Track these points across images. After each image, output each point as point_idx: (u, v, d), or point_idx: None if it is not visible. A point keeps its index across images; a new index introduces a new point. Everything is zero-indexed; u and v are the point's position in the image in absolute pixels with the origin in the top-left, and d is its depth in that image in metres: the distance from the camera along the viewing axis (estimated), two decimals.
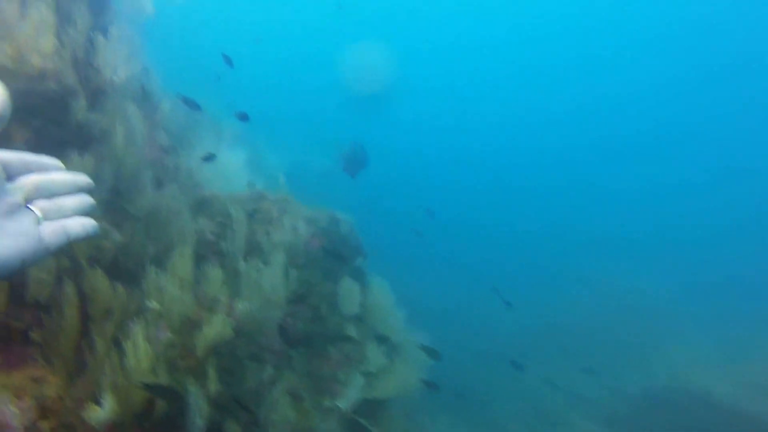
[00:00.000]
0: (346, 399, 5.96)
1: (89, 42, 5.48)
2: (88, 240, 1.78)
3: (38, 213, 1.03)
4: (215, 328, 4.64)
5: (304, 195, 7.12)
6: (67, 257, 4.24)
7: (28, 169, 1.07)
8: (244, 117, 8.82)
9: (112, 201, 5.04)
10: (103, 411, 3.73)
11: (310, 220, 6.55)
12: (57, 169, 1.12)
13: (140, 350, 3.97)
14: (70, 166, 4.23)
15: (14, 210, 0.99)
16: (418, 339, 7.05)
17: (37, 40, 4.99)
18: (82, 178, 1.15)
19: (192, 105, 7.52)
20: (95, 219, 1.15)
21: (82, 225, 1.10)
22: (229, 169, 7.31)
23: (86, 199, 1.14)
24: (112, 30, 5.59)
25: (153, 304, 4.29)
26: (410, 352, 6.96)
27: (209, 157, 7.21)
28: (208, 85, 9.40)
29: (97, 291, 4.18)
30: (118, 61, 5.58)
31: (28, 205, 1.03)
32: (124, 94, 5.29)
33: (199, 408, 4.28)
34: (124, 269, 4.82)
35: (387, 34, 40.03)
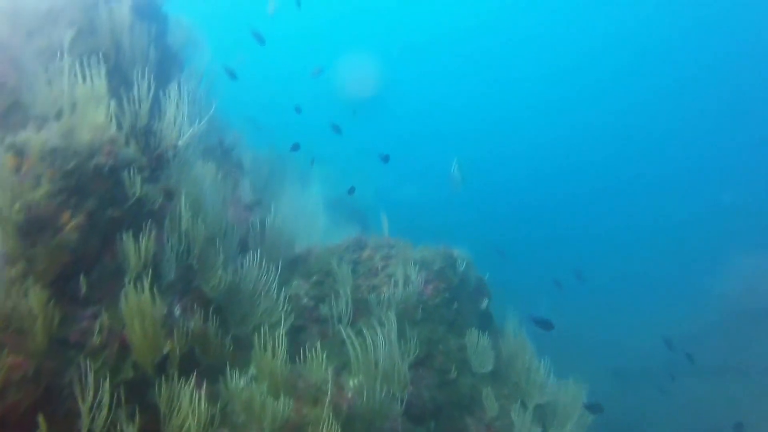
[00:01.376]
0: None
1: (154, 105, 4.87)
2: None
3: None
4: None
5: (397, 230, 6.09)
6: (132, 366, 3.47)
7: None
8: (386, 158, 8.64)
9: (184, 281, 4.27)
10: None
11: (421, 263, 5.47)
12: None
13: None
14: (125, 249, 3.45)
15: None
16: (569, 391, 5.67)
17: (87, 113, 4.40)
18: None
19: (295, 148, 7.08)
20: None
21: None
22: (317, 215, 6.46)
23: None
24: (173, 89, 4.91)
25: (240, 417, 3.39)
26: (562, 410, 5.60)
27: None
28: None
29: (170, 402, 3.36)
30: (183, 121, 4.89)
31: None
32: (190, 158, 4.55)
33: None
34: (203, 365, 4.00)
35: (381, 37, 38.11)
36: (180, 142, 4.42)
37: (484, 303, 5.75)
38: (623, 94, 41.80)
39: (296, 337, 5.18)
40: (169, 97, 4.38)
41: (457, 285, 5.58)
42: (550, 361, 5.81)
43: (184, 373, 3.98)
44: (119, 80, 5.05)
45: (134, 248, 3.69)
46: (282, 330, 4.02)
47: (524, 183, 38.15)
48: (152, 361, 3.52)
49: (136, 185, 4.15)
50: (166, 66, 6.22)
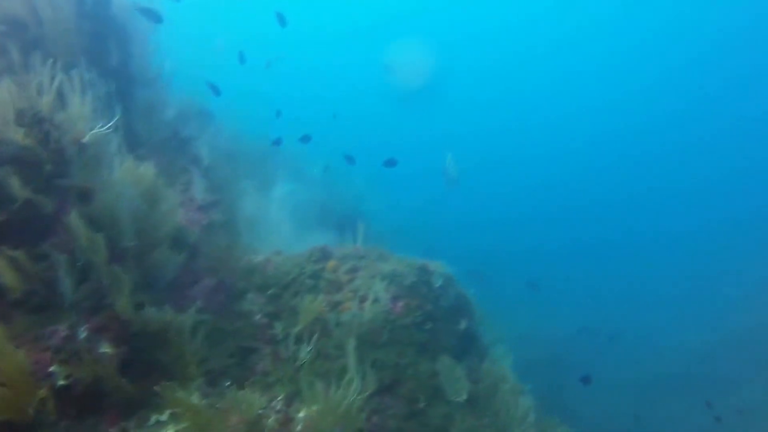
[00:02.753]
0: None
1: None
2: None
3: None
4: None
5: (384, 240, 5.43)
6: None
7: None
8: (351, 160, 8.07)
9: (94, 299, 3.63)
10: None
11: (391, 277, 4.82)
12: None
13: None
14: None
15: None
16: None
17: None
18: None
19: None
20: None
21: None
22: (282, 219, 5.80)
23: None
24: (76, 73, 4.16)
25: None
26: None
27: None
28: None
29: None
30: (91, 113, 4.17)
31: None
32: (104, 155, 3.90)
33: None
34: (115, 398, 3.37)
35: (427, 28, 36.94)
36: (87, 138, 3.76)
37: (463, 324, 5.09)
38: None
39: (246, 359, 4.55)
40: (74, 82, 3.72)
41: (432, 302, 4.93)
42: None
43: (89, 410, 3.36)
44: (43, 56, 4.39)
45: (7, 264, 3.04)
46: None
47: (532, 189, 37.13)
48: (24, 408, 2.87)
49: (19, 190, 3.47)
50: (104, 41, 5.57)
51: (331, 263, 4.94)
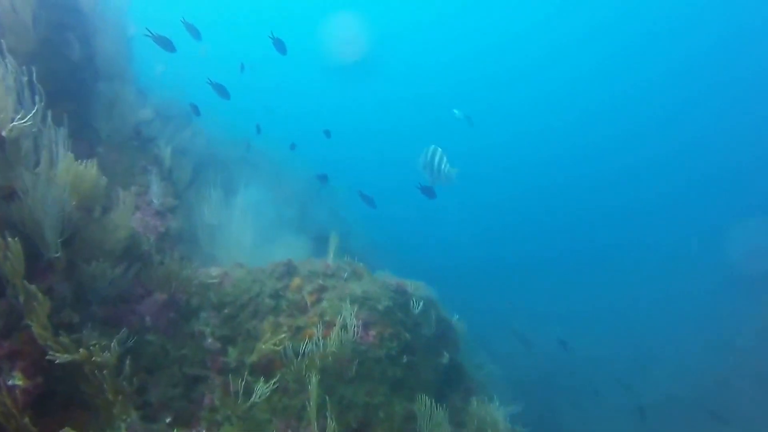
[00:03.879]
0: None
1: None
2: None
3: None
4: None
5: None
6: None
7: None
8: (327, 134, 7.40)
9: (6, 319, 3.05)
10: None
11: (362, 300, 4.20)
12: None
13: None
14: None
15: None
16: None
17: None
18: None
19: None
20: None
21: None
22: (245, 227, 5.18)
23: None
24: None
25: None
26: None
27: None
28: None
29: None
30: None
31: None
32: (29, 152, 3.32)
33: None
34: None
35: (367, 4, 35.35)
36: (6, 132, 3.18)
37: (446, 356, 4.46)
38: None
39: (192, 390, 3.94)
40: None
41: (411, 331, 4.30)
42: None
43: None
44: None
45: None
46: None
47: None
48: None
49: None
50: (65, 32, 5.02)
51: (295, 281, 4.33)
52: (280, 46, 7.23)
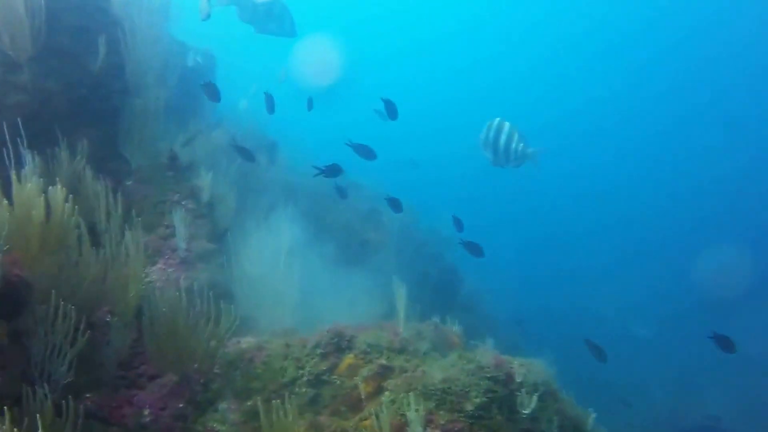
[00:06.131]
0: None
1: None
2: None
3: None
4: None
5: None
6: None
7: None
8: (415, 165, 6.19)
9: None
10: None
11: (443, 393, 2.76)
12: None
13: None
14: None
15: None
16: None
17: None
18: None
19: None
20: None
21: None
22: (291, 278, 3.87)
23: None
24: None
25: None
26: None
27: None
28: None
29: None
30: None
31: None
32: None
33: None
34: None
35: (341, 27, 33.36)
36: None
37: None
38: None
39: None
40: None
41: None
42: None
43: None
44: None
45: None
46: None
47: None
48: None
49: None
50: (90, 39, 4.20)
51: (347, 360, 2.99)
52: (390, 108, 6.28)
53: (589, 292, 19.86)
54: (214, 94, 4.85)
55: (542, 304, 15.33)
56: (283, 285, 3.78)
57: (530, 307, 13.51)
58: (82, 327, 2.73)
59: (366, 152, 5.68)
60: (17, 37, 3.74)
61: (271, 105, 6.11)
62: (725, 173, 33.56)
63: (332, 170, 4.77)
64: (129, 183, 4.30)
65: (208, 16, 5.03)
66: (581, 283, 21.15)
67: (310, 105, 6.66)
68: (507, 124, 4.57)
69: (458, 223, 6.88)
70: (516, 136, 4.53)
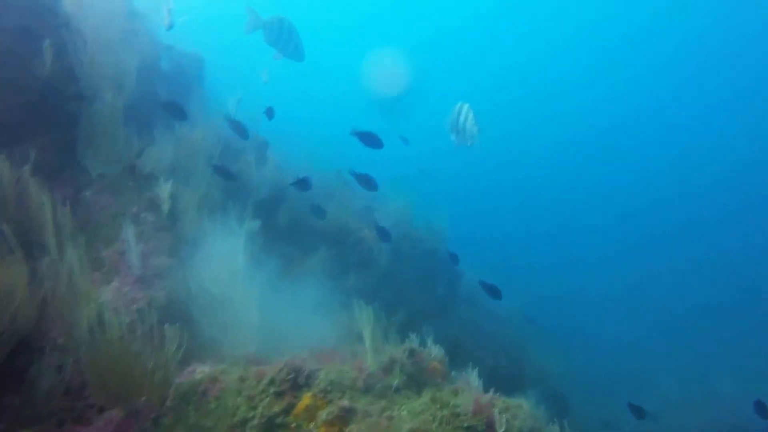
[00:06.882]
0: None
1: None
2: None
3: None
4: None
5: None
6: None
7: None
8: (271, 113, 6.35)
9: None
10: None
11: None
12: None
13: None
14: None
15: None
16: None
17: None
18: None
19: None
20: None
21: None
22: (249, 296, 3.52)
23: None
24: None
25: None
26: None
27: None
28: None
29: None
30: None
31: None
32: None
33: None
34: None
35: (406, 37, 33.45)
36: None
37: None
38: None
39: None
40: None
41: None
42: None
43: None
44: None
45: None
46: None
47: None
48: None
49: None
50: (36, 42, 3.86)
51: (305, 399, 2.67)
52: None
53: (590, 281, 20.01)
54: (177, 112, 4.53)
55: (542, 294, 15.22)
56: (243, 303, 3.45)
57: (532, 299, 13.25)
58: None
59: (372, 140, 5.43)
60: None
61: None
62: (725, 170, 33.91)
63: (302, 184, 4.47)
64: (88, 194, 3.98)
65: (172, 26, 4.97)
66: (581, 273, 21.37)
67: (270, 114, 6.41)
68: (465, 106, 4.74)
69: (454, 258, 7.12)
70: (470, 116, 4.69)
